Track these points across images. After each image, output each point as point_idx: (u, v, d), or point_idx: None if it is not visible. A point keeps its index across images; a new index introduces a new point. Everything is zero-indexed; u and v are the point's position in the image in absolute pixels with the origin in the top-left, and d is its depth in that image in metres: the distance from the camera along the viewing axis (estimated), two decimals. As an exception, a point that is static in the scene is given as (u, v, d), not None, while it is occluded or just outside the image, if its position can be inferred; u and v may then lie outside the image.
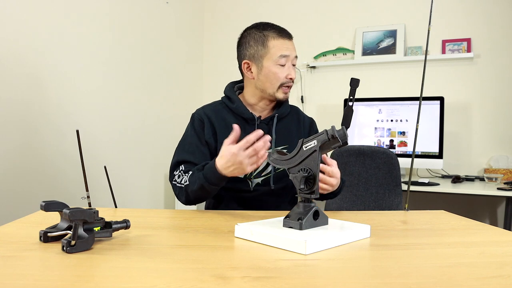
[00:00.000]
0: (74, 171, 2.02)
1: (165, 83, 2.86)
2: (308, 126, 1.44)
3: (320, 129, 1.33)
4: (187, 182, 1.18)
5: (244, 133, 1.32)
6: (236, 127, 1.06)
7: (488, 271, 0.65)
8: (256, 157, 1.02)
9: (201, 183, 1.12)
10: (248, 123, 1.33)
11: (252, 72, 1.31)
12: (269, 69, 1.28)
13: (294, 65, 1.32)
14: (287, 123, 1.38)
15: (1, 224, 0.93)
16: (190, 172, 1.19)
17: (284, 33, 1.31)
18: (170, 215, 1.15)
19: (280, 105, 1.37)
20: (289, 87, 1.32)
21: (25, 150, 1.84)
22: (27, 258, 0.68)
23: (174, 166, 1.28)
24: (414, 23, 2.85)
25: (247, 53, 1.31)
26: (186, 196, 1.19)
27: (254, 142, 1.02)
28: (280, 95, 1.30)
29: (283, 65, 1.28)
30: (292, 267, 0.66)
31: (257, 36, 1.30)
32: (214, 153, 1.30)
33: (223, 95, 1.39)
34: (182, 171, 1.23)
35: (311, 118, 1.49)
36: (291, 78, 1.29)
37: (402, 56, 2.83)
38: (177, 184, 1.22)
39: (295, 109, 1.45)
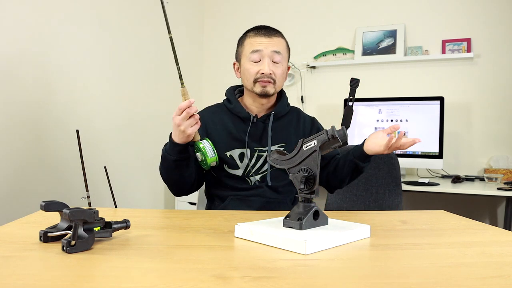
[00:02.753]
0: (74, 171, 2.02)
1: (165, 83, 2.86)
2: (309, 125, 1.44)
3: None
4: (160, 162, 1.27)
5: (241, 132, 1.34)
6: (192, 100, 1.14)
7: (488, 271, 0.65)
8: (193, 119, 1.12)
9: (163, 154, 1.23)
10: (245, 122, 1.36)
11: (239, 72, 1.38)
12: (244, 66, 1.33)
13: (275, 62, 1.31)
14: (286, 122, 1.40)
15: (1, 224, 0.93)
16: None
17: (261, 30, 1.33)
18: (170, 215, 1.15)
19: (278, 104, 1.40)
20: (268, 81, 1.30)
21: (25, 150, 1.84)
22: (27, 258, 0.68)
23: None
24: (414, 23, 2.85)
25: (236, 55, 1.40)
26: (161, 175, 1.29)
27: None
28: (257, 89, 1.31)
29: (257, 61, 1.30)
30: (292, 267, 0.66)
31: (241, 37, 1.37)
32: None
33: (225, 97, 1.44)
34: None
35: (313, 116, 1.50)
36: (263, 73, 1.29)
37: (402, 56, 2.83)
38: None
39: (295, 109, 1.46)
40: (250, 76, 1.31)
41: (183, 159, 1.20)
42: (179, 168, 1.22)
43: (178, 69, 1.15)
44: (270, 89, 1.31)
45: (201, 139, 1.22)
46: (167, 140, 1.22)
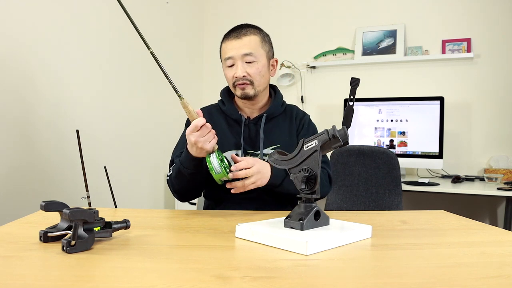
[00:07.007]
0: (74, 171, 2.02)
1: (165, 83, 2.86)
2: (298, 121, 1.40)
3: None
4: (171, 172, 1.26)
5: (235, 134, 1.33)
6: (199, 112, 1.11)
7: (488, 271, 0.65)
8: (211, 133, 1.09)
9: (178, 167, 1.21)
10: (238, 124, 1.35)
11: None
12: (224, 72, 1.34)
13: (250, 62, 1.28)
14: (279, 122, 1.37)
15: (1, 224, 0.93)
16: (174, 164, 1.27)
17: (231, 34, 1.32)
18: (170, 215, 1.15)
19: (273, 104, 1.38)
20: (244, 83, 1.28)
21: (25, 150, 1.83)
22: (27, 258, 0.68)
23: (169, 165, 1.34)
24: (414, 23, 2.85)
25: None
26: (172, 185, 1.27)
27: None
28: (237, 92, 1.31)
29: (231, 66, 1.30)
30: (292, 267, 0.66)
31: (220, 44, 1.38)
32: None
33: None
34: (172, 167, 1.30)
35: (305, 113, 1.45)
36: (237, 77, 1.28)
37: (402, 56, 2.83)
38: (167, 178, 1.30)
39: (290, 108, 1.43)
40: (229, 81, 1.33)
41: (199, 172, 1.18)
42: (194, 180, 1.21)
43: (170, 82, 1.05)
44: (249, 90, 1.29)
45: (210, 153, 1.12)
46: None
